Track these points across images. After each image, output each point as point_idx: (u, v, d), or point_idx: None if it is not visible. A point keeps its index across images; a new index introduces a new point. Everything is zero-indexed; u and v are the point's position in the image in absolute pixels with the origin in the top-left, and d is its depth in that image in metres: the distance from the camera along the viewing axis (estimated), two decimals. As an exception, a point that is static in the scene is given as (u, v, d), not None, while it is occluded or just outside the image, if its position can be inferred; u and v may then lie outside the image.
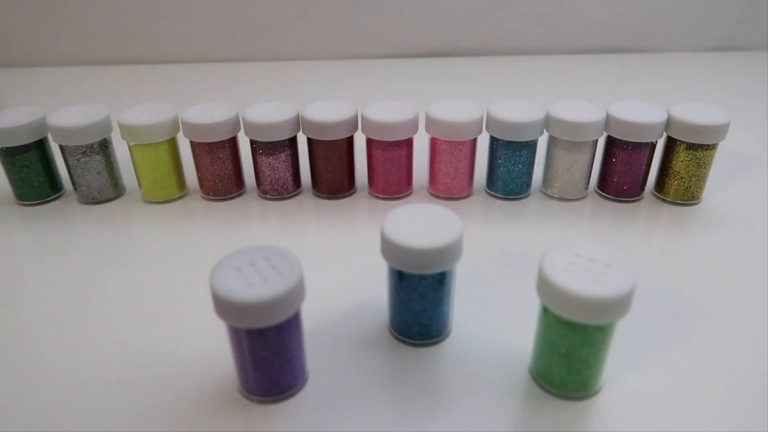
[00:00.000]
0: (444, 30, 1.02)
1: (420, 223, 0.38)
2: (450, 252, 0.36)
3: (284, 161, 0.57)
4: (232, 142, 0.57)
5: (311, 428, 0.35)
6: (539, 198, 0.59)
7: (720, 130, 0.53)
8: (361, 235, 0.54)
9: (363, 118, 0.55)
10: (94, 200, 0.59)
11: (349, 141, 0.57)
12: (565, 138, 0.55)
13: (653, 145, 0.55)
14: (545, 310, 0.35)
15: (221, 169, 0.58)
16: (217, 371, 0.38)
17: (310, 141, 0.57)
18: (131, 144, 0.56)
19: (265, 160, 0.57)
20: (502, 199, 0.59)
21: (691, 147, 0.54)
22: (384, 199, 0.59)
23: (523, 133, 0.54)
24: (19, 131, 0.55)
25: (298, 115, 0.56)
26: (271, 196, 0.59)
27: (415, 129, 0.56)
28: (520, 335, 0.40)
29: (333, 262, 0.50)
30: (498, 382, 0.38)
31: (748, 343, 0.40)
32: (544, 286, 0.34)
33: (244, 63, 1.03)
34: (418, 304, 0.39)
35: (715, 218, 0.55)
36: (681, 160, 0.55)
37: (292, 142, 0.57)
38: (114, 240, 0.54)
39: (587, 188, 0.59)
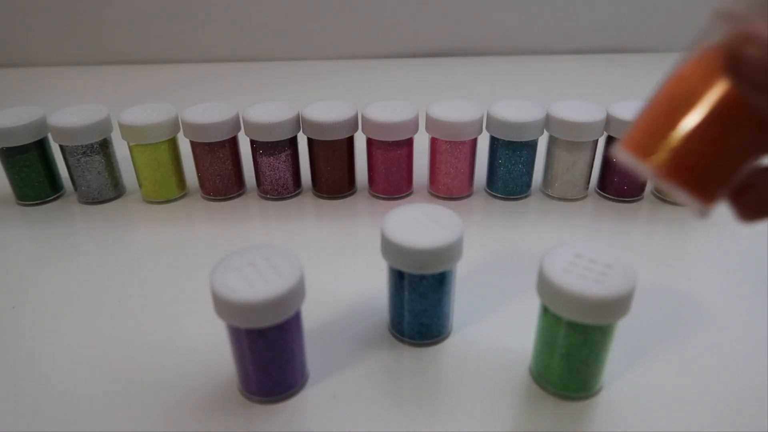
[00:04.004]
0: (444, 30, 1.02)
1: (420, 223, 0.38)
2: (450, 252, 0.36)
3: (284, 161, 0.57)
4: (233, 142, 0.57)
5: (311, 428, 0.35)
6: (539, 198, 0.59)
7: (720, 130, 0.53)
8: (361, 235, 0.54)
9: (363, 118, 0.55)
10: (94, 200, 0.59)
11: (349, 141, 0.57)
12: (565, 138, 0.55)
13: (653, 145, 0.55)
14: (545, 310, 0.35)
15: (221, 169, 0.58)
16: (217, 371, 0.38)
17: (310, 141, 0.57)
18: (131, 144, 0.56)
19: (265, 160, 0.57)
20: (502, 199, 0.59)
21: (691, 147, 0.54)
22: (384, 199, 0.59)
23: (523, 133, 0.54)
24: (19, 131, 0.55)
25: (298, 115, 0.56)
26: (271, 196, 0.59)
27: (415, 129, 0.56)
28: (520, 335, 0.40)
29: (333, 262, 0.50)
30: (498, 382, 0.38)
31: (748, 343, 0.40)
32: (544, 286, 0.34)
33: (244, 63, 1.03)
34: (418, 304, 0.39)
35: (715, 218, 0.55)
36: (681, 160, 0.55)
37: (292, 142, 0.57)
38: (114, 240, 0.54)
39: (587, 188, 0.59)
